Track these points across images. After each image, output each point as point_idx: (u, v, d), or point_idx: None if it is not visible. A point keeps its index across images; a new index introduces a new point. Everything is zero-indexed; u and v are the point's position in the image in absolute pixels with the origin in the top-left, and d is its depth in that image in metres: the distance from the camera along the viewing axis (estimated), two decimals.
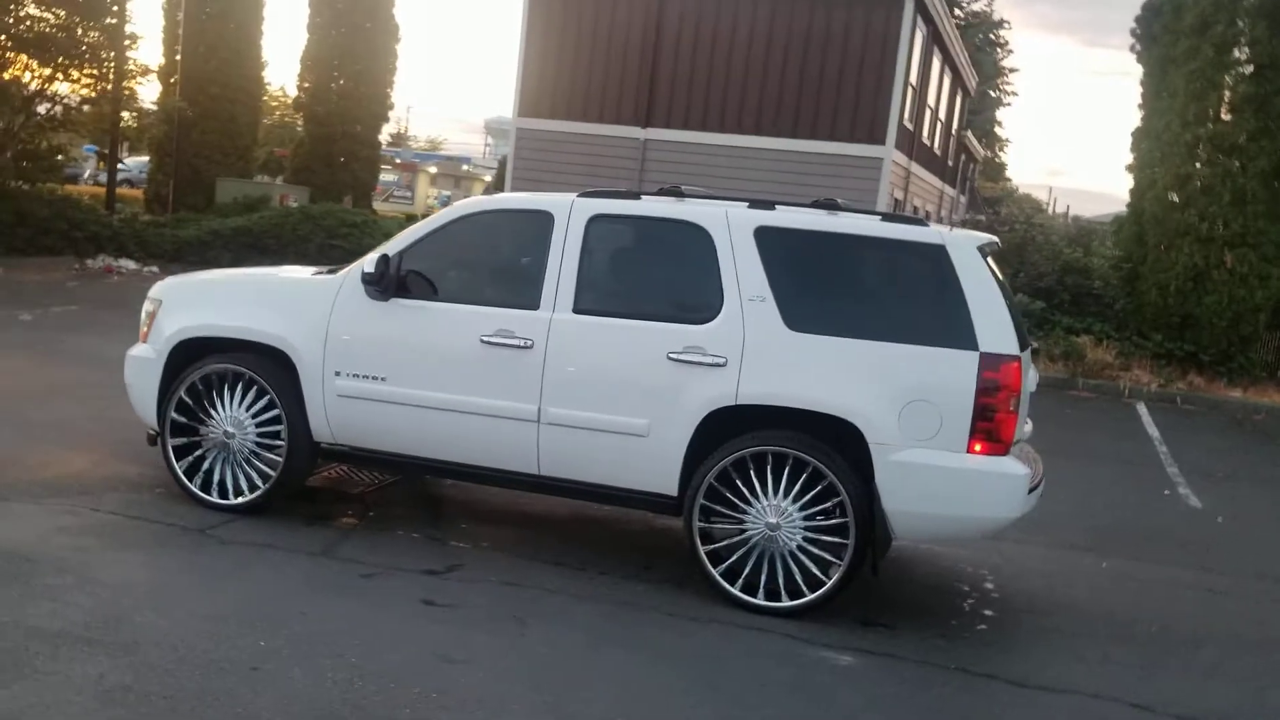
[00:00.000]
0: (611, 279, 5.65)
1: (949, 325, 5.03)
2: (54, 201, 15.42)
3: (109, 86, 16.61)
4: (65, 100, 16.28)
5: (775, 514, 5.13)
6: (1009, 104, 70.06)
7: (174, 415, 5.91)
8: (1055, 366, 13.74)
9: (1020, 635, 5.29)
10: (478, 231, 5.80)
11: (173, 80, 20.29)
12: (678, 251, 5.59)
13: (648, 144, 21.12)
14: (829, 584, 5.09)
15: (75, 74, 15.92)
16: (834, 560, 5.09)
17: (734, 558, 5.20)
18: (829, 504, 5.07)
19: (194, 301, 6.11)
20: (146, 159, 23.07)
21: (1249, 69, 13.16)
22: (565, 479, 5.50)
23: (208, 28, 20.25)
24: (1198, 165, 13.52)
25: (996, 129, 67.50)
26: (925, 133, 25.05)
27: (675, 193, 5.71)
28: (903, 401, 4.98)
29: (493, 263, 5.91)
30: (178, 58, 20.51)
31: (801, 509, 5.12)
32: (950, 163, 31.61)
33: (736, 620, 5.02)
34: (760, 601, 5.14)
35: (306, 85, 21.85)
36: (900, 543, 5.82)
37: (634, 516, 6.29)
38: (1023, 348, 5.19)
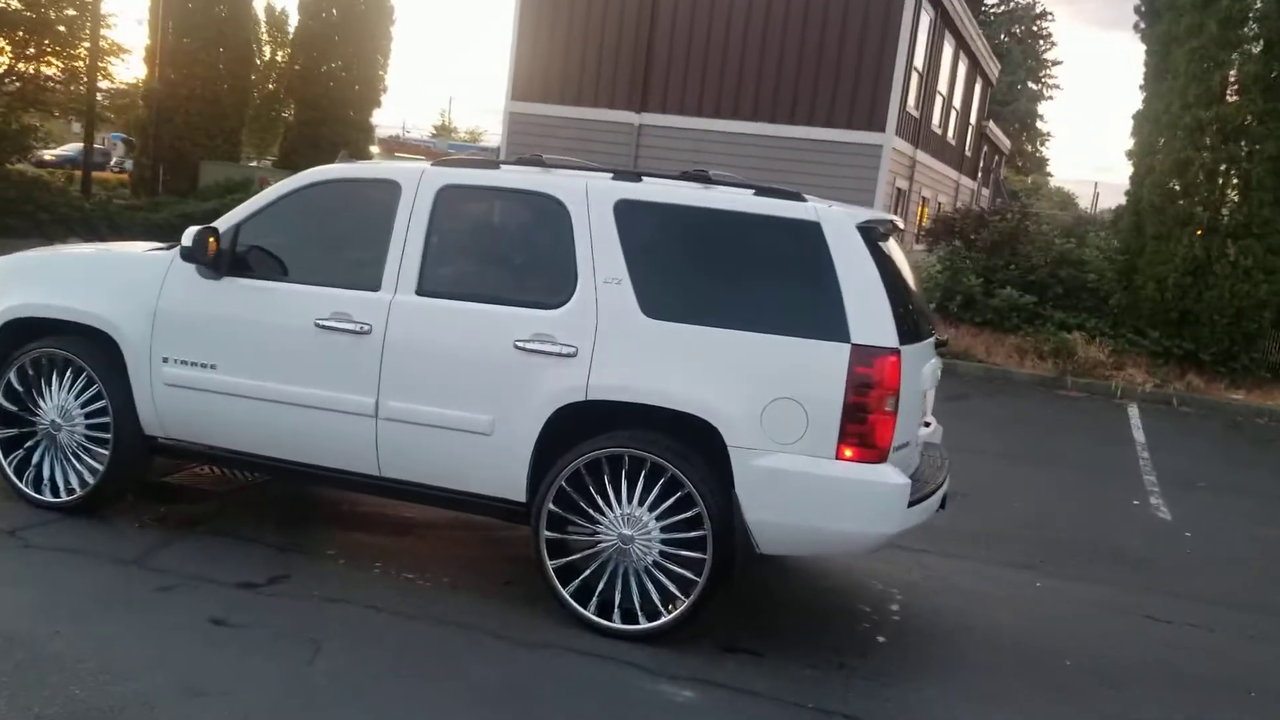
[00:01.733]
0: (461, 258, 5.06)
1: (820, 314, 4.41)
2: (21, 183, 15.05)
3: (82, 65, 16.23)
4: (37, 79, 15.91)
5: (629, 524, 4.54)
6: (1051, 97, 68.60)
7: (2, 403, 5.42)
8: (1044, 364, 13.00)
9: (909, 667, 4.66)
10: (321, 203, 5.23)
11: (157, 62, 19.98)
12: (532, 227, 5.01)
13: (642, 129, 20.50)
14: (684, 604, 4.49)
15: (44, 53, 15.54)
16: (694, 578, 4.50)
17: (587, 572, 4.63)
18: (688, 514, 4.48)
19: (26, 280, 5.60)
20: None
21: (1257, 46, 12.32)
22: (408, 481, 4.93)
23: (194, 8, 19.87)
24: (1200, 150, 12.69)
25: (1038, 123, 66.14)
26: (936, 121, 24.23)
27: (537, 162, 5.12)
28: (766, 399, 4.37)
29: (335, 238, 5.33)
30: (166, 40, 20.18)
31: (659, 519, 4.52)
32: (969, 153, 30.71)
33: (577, 645, 4.43)
34: (614, 624, 4.55)
35: (296, 67, 21.41)
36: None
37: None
38: (912, 339, 4.56)
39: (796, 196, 4.66)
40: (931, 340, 5.07)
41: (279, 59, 22.52)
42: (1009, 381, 12.90)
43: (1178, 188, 13.00)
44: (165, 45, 19.91)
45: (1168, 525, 7.56)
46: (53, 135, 19.81)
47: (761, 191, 4.72)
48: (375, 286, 4.89)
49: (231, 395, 5.06)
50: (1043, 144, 69.28)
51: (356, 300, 4.90)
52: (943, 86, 24.25)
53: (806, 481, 4.35)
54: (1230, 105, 12.57)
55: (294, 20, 21.63)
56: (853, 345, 4.32)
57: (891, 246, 4.93)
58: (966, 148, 30.02)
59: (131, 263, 5.49)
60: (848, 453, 4.32)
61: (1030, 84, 62.99)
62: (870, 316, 4.38)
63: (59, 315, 5.34)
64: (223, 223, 5.22)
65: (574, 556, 4.64)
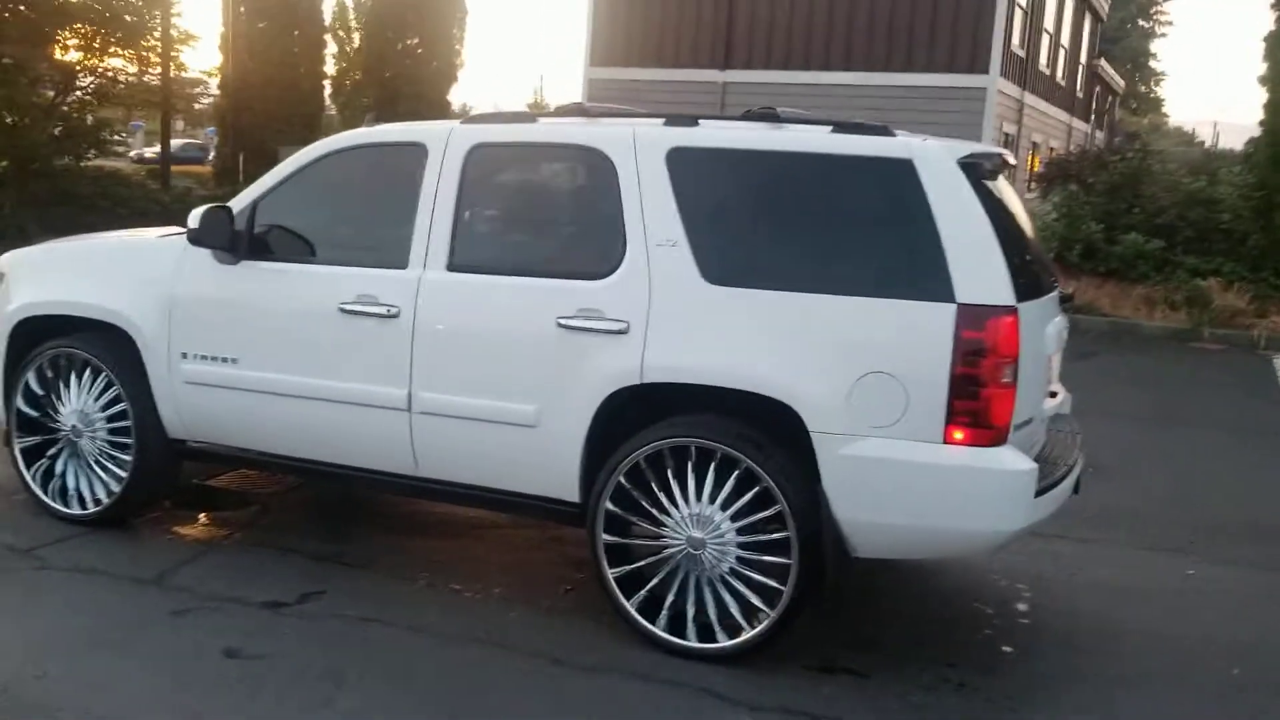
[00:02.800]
0: (496, 226, 4.43)
1: (917, 270, 3.65)
2: (99, 178, 14.98)
3: (154, 56, 16.12)
4: (109, 73, 15.83)
5: (700, 525, 3.87)
6: (1164, 34, 64.94)
7: (22, 407, 5.01)
8: (1176, 315, 11.83)
9: (1041, 685, 3.90)
10: (342, 173, 4.64)
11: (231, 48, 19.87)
12: (575, 186, 4.37)
13: (727, 87, 19.62)
14: (768, 618, 3.81)
15: (116, 47, 15.43)
16: (778, 586, 3.81)
17: (654, 581, 3.98)
18: (768, 513, 3.79)
19: (40, 274, 5.16)
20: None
21: None
22: (448, 482, 4.34)
23: None
24: None
25: (1152, 62, 62.68)
26: (1044, 61, 22.75)
27: (578, 111, 4.45)
28: (855, 375, 3.64)
29: (358, 211, 4.74)
30: (239, 25, 20.03)
31: (733, 519, 3.84)
32: (1080, 94, 28.94)
33: (645, 669, 3.79)
34: (688, 643, 3.89)
35: (365, 46, 21.06)
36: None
37: None
38: (1031, 295, 3.77)
39: (884, 131, 3.89)
40: (1055, 295, 4.25)
41: (356, 41, 22.24)
42: (1138, 335, 11.79)
43: None
44: (238, 30, 19.78)
45: None
46: (151, 131, 19.81)
47: (840, 128, 3.96)
48: (403, 264, 4.30)
49: (255, 392, 4.53)
50: (1157, 84, 65.71)
51: (382, 280, 4.31)
52: (1049, 23, 22.75)
53: (908, 471, 3.62)
54: None
55: None
56: (959, 305, 3.55)
57: (1002, 186, 4.12)
58: (1078, 89, 28.28)
59: (145, 250, 5.01)
60: (958, 435, 3.57)
61: (1141, 21, 59.69)
62: (979, 270, 3.60)
63: (70, 311, 4.88)
64: (238, 201, 4.69)
65: (638, 563, 3.99)
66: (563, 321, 3.98)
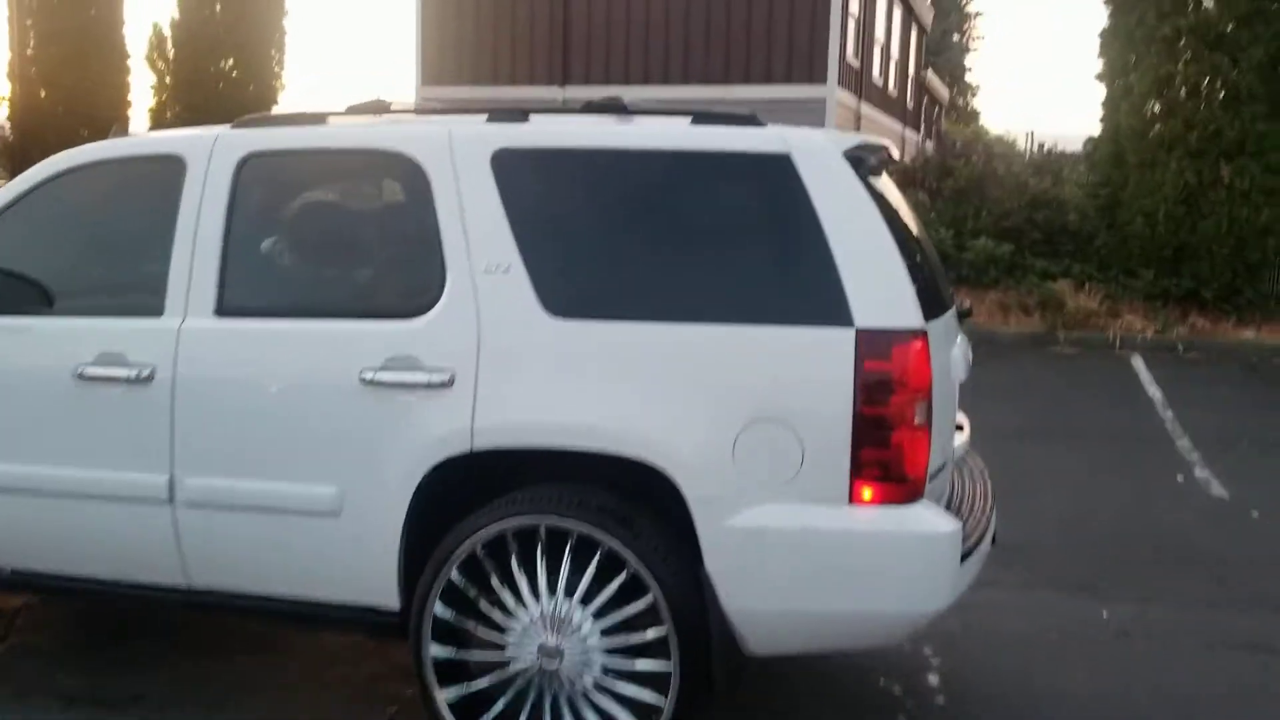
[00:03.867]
0: (279, 257, 3.53)
1: (805, 288, 2.95)
2: None
3: None
4: None
5: (555, 629, 3.06)
6: (975, 49, 67.65)
7: None
8: (1031, 320, 11.65)
9: None
10: (78, 198, 3.65)
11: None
12: (378, 202, 3.54)
13: (567, 103, 18.93)
14: None
15: None
16: (657, 702, 3.03)
17: (500, 705, 3.14)
18: (639, 606, 3.01)
19: None
20: None
21: None
22: (230, 593, 3.41)
23: (58, 7, 17.95)
24: (1180, 64, 11.40)
25: (967, 75, 65.06)
26: (876, 71, 22.89)
27: (379, 109, 3.61)
28: (739, 424, 2.90)
29: (100, 247, 3.75)
30: (29, 51, 18.22)
31: (597, 616, 3.05)
32: (910, 105, 29.42)
33: None
34: None
35: (177, 70, 19.54)
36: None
37: None
38: (935, 312, 3.12)
39: (752, 121, 3.18)
40: (954, 310, 3.63)
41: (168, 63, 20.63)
42: (996, 343, 11.53)
43: (1158, 109, 11.70)
44: (26, 57, 18.02)
45: (1226, 505, 6.21)
46: None
47: (701, 118, 3.23)
48: (158, 310, 3.36)
49: None
50: (973, 96, 68.30)
51: (131, 333, 3.36)
52: (879, 33, 22.92)
53: (807, 542, 2.89)
54: (1209, 11, 11.28)
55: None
56: (858, 330, 2.86)
57: (886, 184, 3.48)
58: (908, 99, 28.71)
59: None
60: (866, 492, 2.87)
61: (955, 36, 61.95)
62: (879, 286, 2.92)
63: None
64: None
65: (479, 683, 3.15)
66: (368, 375, 3.12)
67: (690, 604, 2.96)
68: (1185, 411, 8.51)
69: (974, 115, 67.91)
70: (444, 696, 3.14)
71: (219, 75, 19.79)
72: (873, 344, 2.85)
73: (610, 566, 3.01)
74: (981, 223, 12.65)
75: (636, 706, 3.03)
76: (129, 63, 19.48)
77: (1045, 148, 15.94)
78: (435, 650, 3.16)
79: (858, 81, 20.30)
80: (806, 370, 2.89)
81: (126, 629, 4.21)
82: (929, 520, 2.89)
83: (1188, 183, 11.44)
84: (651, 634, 3.01)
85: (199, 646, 4.06)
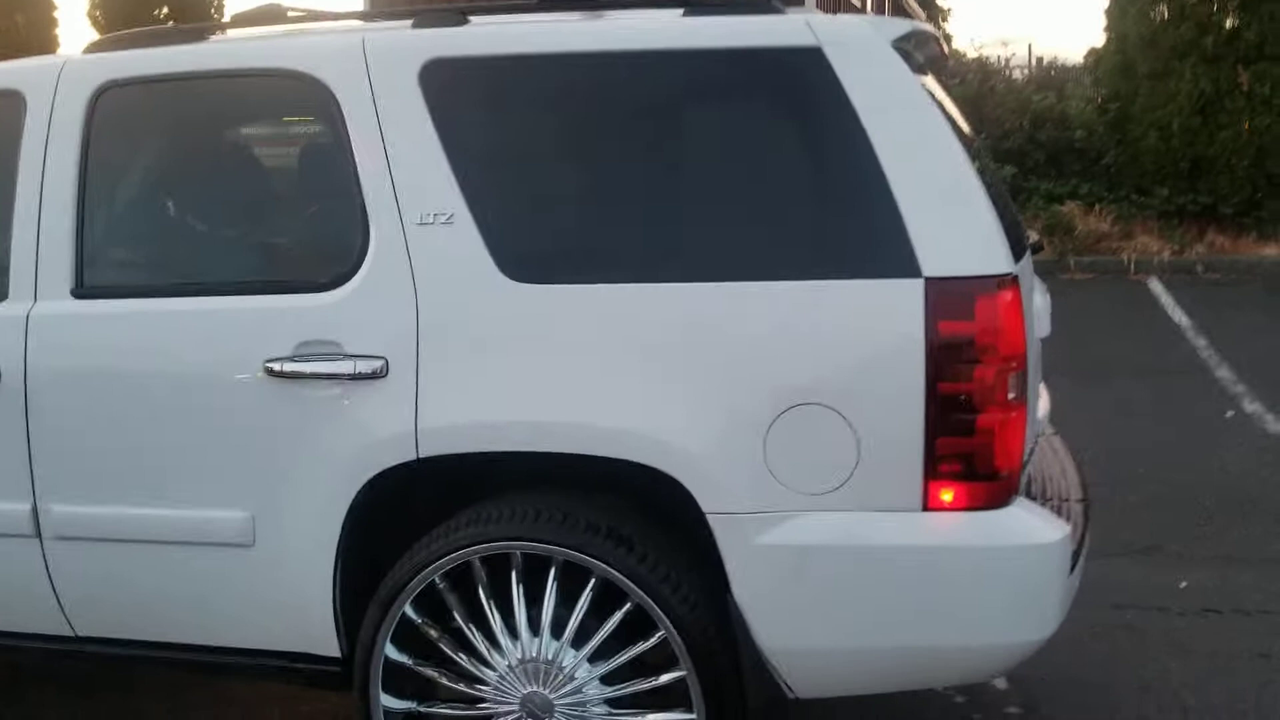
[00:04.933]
0: (154, 217, 2.77)
1: (850, 229, 2.21)
2: None
3: None
4: None
5: (538, 677, 2.36)
6: None
7: None
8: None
9: None
10: None
11: None
12: (276, 139, 2.75)
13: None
14: None
15: None
16: None
17: None
18: (646, 645, 2.31)
19: None
20: None
21: None
22: (125, 641, 2.69)
23: None
24: None
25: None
26: None
27: (274, 17, 2.80)
28: (771, 412, 2.17)
29: None
30: None
31: (594, 660, 2.35)
32: None
33: None
34: None
35: (108, 23, 18.39)
36: None
37: None
38: (1016, 254, 2.37)
39: (764, 5, 2.40)
40: (1029, 250, 2.88)
41: None
42: None
43: (1168, 13, 10.87)
44: None
45: None
46: None
47: (696, 7, 2.45)
48: (0, 293, 2.60)
49: None
50: (944, 19, 67.04)
51: None
52: None
53: (869, 563, 2.19)
54: None
55: None
56: (929, 280, 2.13)
57: (935, 87, 2.71)
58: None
59: None
60: (945, 494, 2.15)
61: None
62: (951, 219, 2.19)
63: None
64: None
65: None
66: (275, 367, 2.38)
67: (714, 642, 2.26)
68: (1218, 338, 7.82)
69: (949, 38, 66.52)
70: None
71: (154, 24, 18.70)
72: (948, 298, 2.12)
73: (605, 596, 2.30)
74: (980, 144, 11.87)
75: None
76: (56, 14, 18.39)
77: (1044, 62, 15.11)
78: (388, 703, 2.47)
79: (835, 3, 19.37)
80: (860, 337, 2.16)
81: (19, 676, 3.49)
82: (1030, 526, 2.18)
83: (1203, 91, 10.64)
84: (667, 679, 2.31)
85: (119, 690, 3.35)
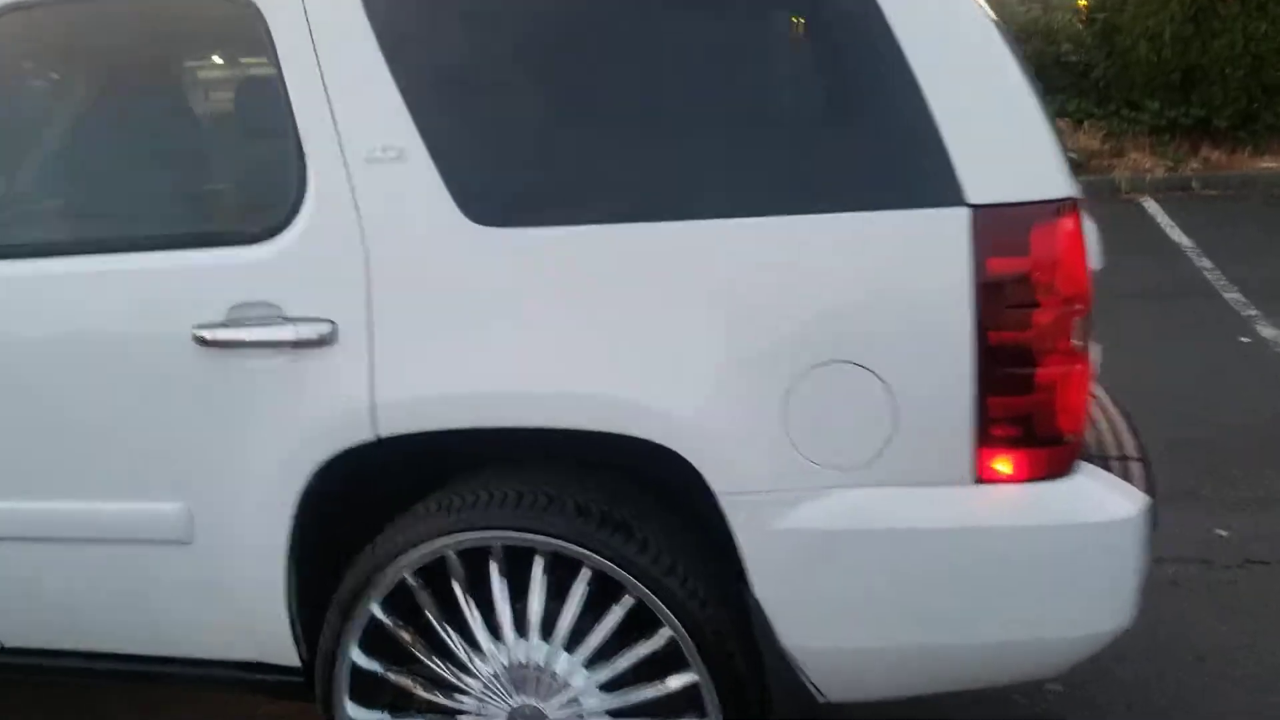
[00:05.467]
0: (61, 162, 2.37)
1: (879, 151, 1.85)
2: None
3: None
4: None
5: (527, 686, 2.05)
6: None
7: None
8: None
9: None
10: None
11: None
12: (201, 68, 2.36)
13: None
14: None
15: None
16: None
17: None
18: (651, 645, 2.00)
19: None
20: None
21: None
22: (56, 651, 2.36)
23: None
24: None
25: None
26: None
27: None
28: (789, 373, 1.83)
29: None
30: None
31: (591, 664, 2.04)
32: None
33: None
34: None
35: None
36: None
37: None
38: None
39: None
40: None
41: None
42: None
43: None
44: None
45: None
46: None
47: None
48: None
49: None
50: None
51: None
52: None
53: (910, 547, 1.86)
54: None
55: None
56: (976, 209, 1.78)
57: None
58: None
59: None
60: (1001, 464, 1.83)
61: None
62: (1000, 137, 1.83)
63: None
64: None
65: None
66: (205, 334, 2.02)
67: (730, 641, 1.95)
68: (1221, 258, 7.52)
69: None
70: None
71: None
72: (999, 229, 1.77)
73: (602, 591, 1.98)
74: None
75: None
76: None
77: None
78: (356, 714, 2.15)
79: None
80: (894, 280, 1.81)
81: None
82: (1101, 499, 1.86)
83: None
84: (676, 683, 2.00)
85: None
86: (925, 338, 1.79)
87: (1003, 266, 1.77)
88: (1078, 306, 1.81)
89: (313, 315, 1.98)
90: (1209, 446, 4.33)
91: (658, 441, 1.88)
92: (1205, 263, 7.51)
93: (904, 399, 1.81)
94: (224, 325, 2.01)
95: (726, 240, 1.85)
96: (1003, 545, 1.83)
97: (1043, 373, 1.78)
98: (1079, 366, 1.82)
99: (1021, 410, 1.79)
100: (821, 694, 1.99)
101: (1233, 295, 6.62)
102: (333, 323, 1.98)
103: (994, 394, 1.78)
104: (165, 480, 2.11)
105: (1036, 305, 1.77)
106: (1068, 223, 1.79)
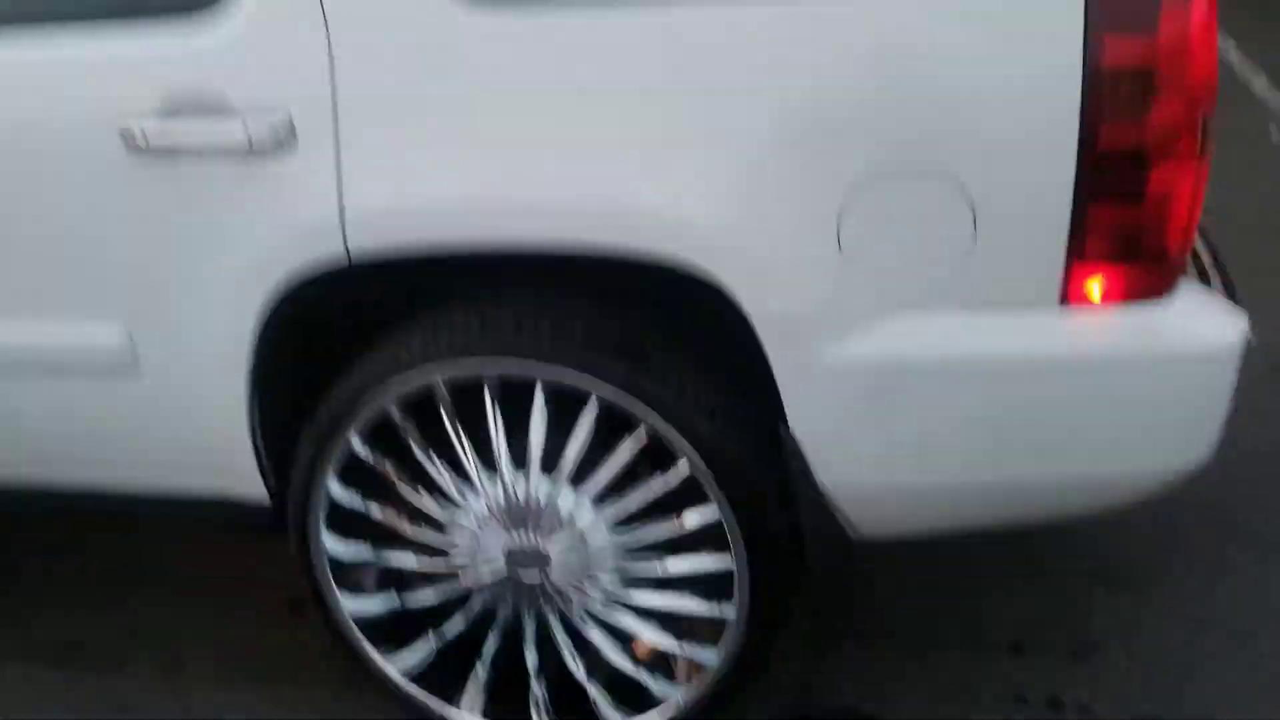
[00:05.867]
0: None
1: None
2: None
3: None
4: None
5: (531, 526, 1.83)
6: None
7: None
8: None
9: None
10: None
11: None
12: None
13: None
14: (707, 671, 1.89)
15: None
16: (713, 614, 1.84)
17: (450, 634, 1.97)
18: (664, 481, 1.76)
19: None
20: None
21: None
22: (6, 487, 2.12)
23: None
24: None
25: None
26: None
27: None
28: (847, 176, 1.51)
29: None
30: None
31: (600, 501, 1.81)
32: None
33: None
34: None
35: None
36: None
37: None
38: None
39: None
40: None
41: None
42: None
43: None
44: None
45: None
46: None
47: None
48: None
49: None
50: None
51: None
52: None
53: (983, 381, 1.60)
54: None
55: None
56: None
57: None
58: None
59: None
60: (1094, 285, 1.54)
61: None
62: None
63: None
64: None
65: (418, 596, 1.96)
66: (136, 132, 1.66)
67: (753, 471, 1.71)
68: (1245, 38, 7.03)
69: None
70: (353, 607, 1.96)
71: None
72: (1121, 2, 1.41)
73: (608, 421, 1.73)
74: None
75: (678, 625, 1.86)
76: None
77: None
78: (334, 546, 1.93)
79: None
80: (982, 64, 1.46)
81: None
82: (1206, 324, 1.59)
83: None
84: (693, 520, 1.78)
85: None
86: (1019, 134, 1.46)
87: (1122, 50, 1.42)
88: (1202, 104, 1.48)
89: (263, 105, 1.62)
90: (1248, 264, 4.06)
91: (683, 261, 1.57)
92: (1228, 42, 7.01)
93: (986, 206, 1.49)
94: (155, 120, 1.65)
95: (771, 16, 1.49)
96: (1089, 377, 1.57)
97: (1157, 178, 1.47)
98: (1196, 173, 1.51)
99: (1128, 222, 1.49)
100: (856, 529, 1.77)
101: (1260, 81, 6.19)
102: (288, 115, 1.62)
103: (1097, 201, 1.48)
104: (101, 303, 1.80)
105: (1158, 98, 1.44)
106: (1201, 5, 1.44)
